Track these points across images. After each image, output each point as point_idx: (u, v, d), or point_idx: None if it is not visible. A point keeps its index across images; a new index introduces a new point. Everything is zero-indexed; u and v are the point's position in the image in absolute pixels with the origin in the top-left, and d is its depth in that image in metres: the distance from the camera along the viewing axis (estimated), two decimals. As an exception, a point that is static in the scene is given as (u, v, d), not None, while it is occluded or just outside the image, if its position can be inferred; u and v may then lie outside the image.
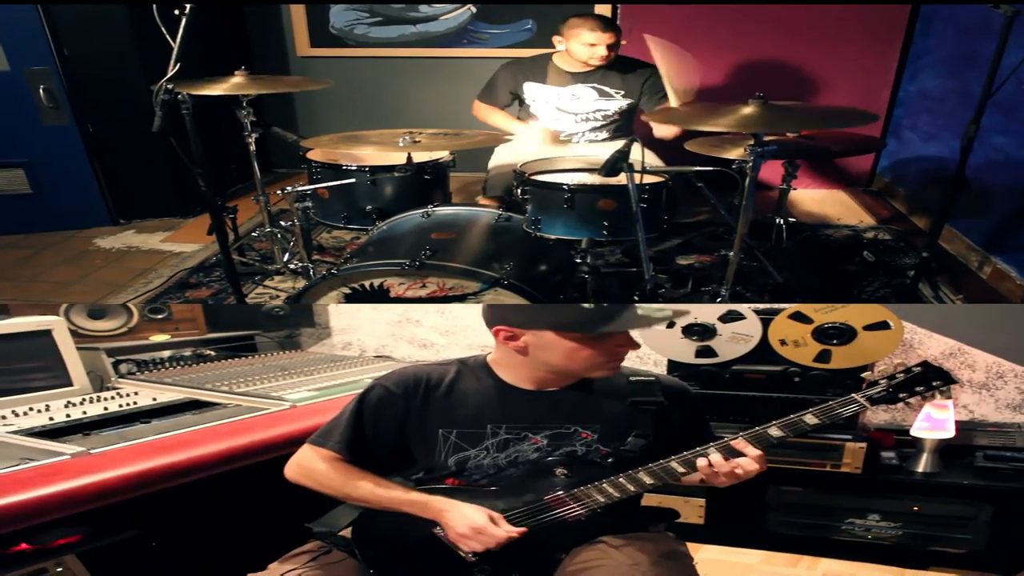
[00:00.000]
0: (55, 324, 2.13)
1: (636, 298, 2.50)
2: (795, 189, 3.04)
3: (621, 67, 2.99)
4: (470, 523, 1.34)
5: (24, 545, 1.47)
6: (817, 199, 4.05)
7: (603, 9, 3.93)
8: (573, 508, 1.37)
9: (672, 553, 1.39)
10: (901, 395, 1.32)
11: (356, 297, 2.13)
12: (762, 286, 2.73)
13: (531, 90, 3.02)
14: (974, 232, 3.15)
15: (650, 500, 2.41)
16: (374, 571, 1.43)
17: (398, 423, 1.46)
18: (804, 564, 2.55)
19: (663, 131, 2.91)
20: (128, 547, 1.67)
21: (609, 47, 2.85)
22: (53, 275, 3.40)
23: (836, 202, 4.04)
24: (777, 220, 2.91)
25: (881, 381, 1.33)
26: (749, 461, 1.30)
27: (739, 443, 1.31)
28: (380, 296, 2.11)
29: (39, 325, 2.12)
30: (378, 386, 1.49)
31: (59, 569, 1.56)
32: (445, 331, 3.34)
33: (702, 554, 2.63)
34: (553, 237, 2.30)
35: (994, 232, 3.03)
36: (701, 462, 1.32)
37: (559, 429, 1.43)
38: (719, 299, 2.38)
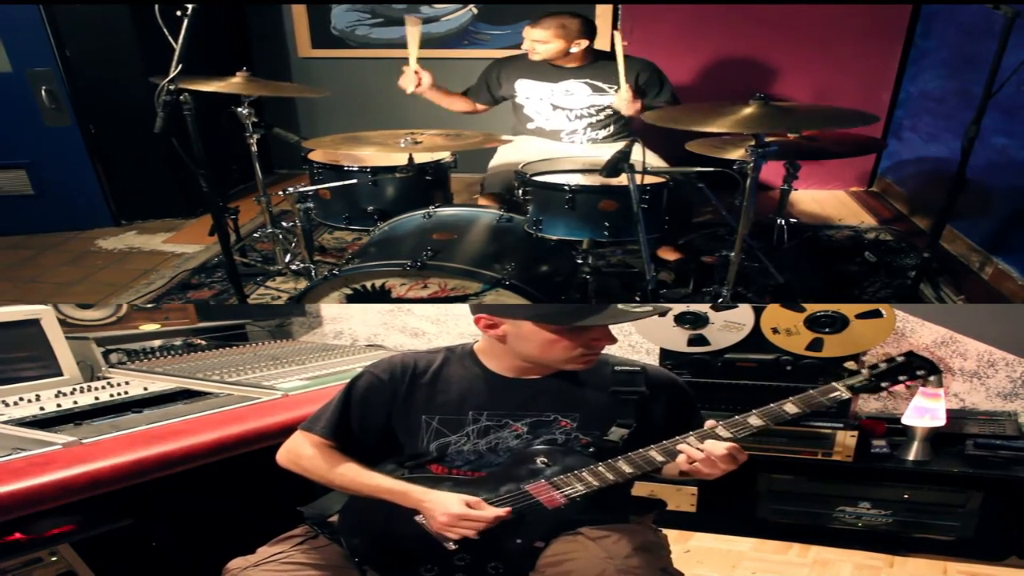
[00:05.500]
0: (43, 313, 2.12)
1: (637, 298, 2.50)
2: (796, 190, 3.04)
3: (612, 62, 2.99)
4: (447, 511, 1.36)
5: (18, 535, 1.48)
6: (818, 200, 4.05)
7: (603, 9, 3.94)
8: (552, 496, 1.37)
9: (648, 545, 1.39)
10: (884, 384, 1.32)
11: (358, 297, 2.13)
12: (763, 287, 2.73)
13: (524, 87, 3.03)
14: (975, 233, 3.15)
15: (642, 489, 2.43)
16: (359, 559, 1.46)
17: (385, 410, 1.49)
18: (795, 551, 2.57)
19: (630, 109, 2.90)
20: (122, 535, 1.67)
21: (540, 47, 2.85)
22: (55, 276, 3.41)
23: (837, 203, 4.04)
24: (778, 221, 2.91)
25: (863, 370, 1.34)
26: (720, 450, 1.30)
27: (719, 432, 1.33)
28: (382, 296, 2.11)
29: (27, 315, 2.10)
30: (367, 373, 1.53)
31: (53, 558, 1.57)
32: (436, 320, 3.35)
33: (693, 542, 2.65)
34: (554, 238, 2.30)
35: (995, 233, 3.03)
36: (682, 448, 1.33)
37: (539, 417, 1.45)
38: (720, 300, 2.38)
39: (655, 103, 2.95)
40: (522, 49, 2.95)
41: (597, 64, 2.96)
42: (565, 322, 1.37)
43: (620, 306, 1.41)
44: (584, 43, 2.87)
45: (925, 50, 3.75)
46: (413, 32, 2.83)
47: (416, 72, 2.89)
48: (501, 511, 1.35)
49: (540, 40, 2.86)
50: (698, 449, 1.31)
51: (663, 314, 2.66)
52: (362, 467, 1.46)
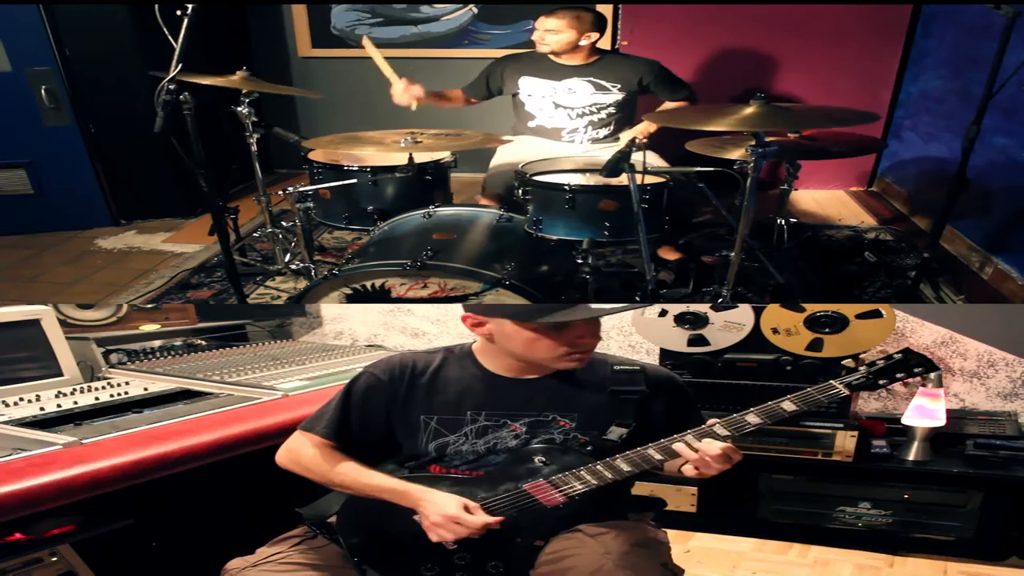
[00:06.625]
0: (43, 314, 2.12)
1: (637, 298, 2.50)
2: (796, 190, 3.05)
3: (615, 61, 3.01)
4: (443, 512, 1.35)
5: (18, 535, 1.48)
6: (818, 200, 4.05)
7: (604, 9, 3.93)
8: (551, 495, 1.37)
9: (646, 541, 1.39)
10: (881, 381, 1.32)
11: (357, 297, 2.13)
12: (763, 287, 2.73)
13: (526, 84, 3.02)
14: (975, 233, 3.15)
15: (642, 489, 2.43)
16: (358, 558, 1.46)
17: (384, 410, 1.49)
18: (795, 551, 2.57)
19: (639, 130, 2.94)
20: (122, 535, 1.67)
21: (551, 36, 2.88)
22: (54, 276, 3.41)
23: (837, 203, 4.04)
24: (778, 221, 2.91)
25: (861, 368, 1.34)
26: (714, 449, 1.31)
27: (717, 430, 1.33)
28: (381, 296, 2.11)
29: (27, 315, 2.09)
30: (366, 373, 1.53)
31: (54, 559, 1.56)
32: (436, 320, 3.35)
33: (694, 542, 2.64)
34: (554, 238, 2.30)
35: (995, 233, 3.03)
36: (679, 447, 1.33)
37: (537, 417, 1.45)
38: (720, 300, 2.38)
39: (673, 100, 2.97)
40: (532, 39, 2.96)
41: (600, 63, 2.97)
42: (539, 317, 1.38)
43: (594, 305, 1.42)
44: (595, 36, 2.89)
45: (925, 50, 3.75)
46: (372, 50, 2.85)
47: (405, 89, 2.89)
48: (491, 519, 1.35)
49: (552, 30, 2.87)
50: (693, 449, 1.31)
51: (663, 315, 2.66)
52: (362, 466, 1.46)
